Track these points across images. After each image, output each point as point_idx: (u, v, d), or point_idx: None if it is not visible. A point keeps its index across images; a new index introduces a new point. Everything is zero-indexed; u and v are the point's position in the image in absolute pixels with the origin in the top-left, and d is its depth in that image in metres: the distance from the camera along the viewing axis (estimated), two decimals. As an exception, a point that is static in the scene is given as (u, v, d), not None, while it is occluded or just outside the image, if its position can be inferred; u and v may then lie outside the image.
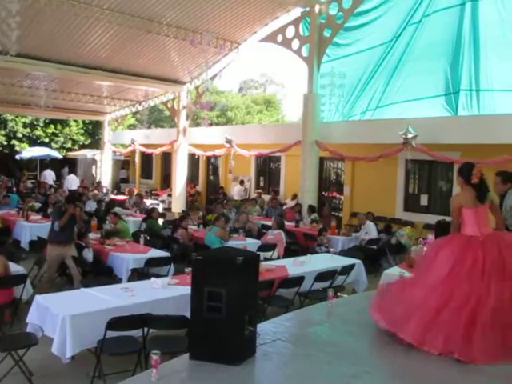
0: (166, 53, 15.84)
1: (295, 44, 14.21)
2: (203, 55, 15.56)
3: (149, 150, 21.30)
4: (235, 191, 18.26)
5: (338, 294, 7.48)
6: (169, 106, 19.90)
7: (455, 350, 4.16)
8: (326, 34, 13.45)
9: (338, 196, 16.34)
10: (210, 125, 29.09)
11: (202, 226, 11.15)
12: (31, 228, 10.60)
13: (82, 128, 27.89)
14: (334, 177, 16.69)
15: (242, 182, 18.34)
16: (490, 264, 4.42)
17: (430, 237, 9.07)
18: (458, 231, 4.77)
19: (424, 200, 13.45)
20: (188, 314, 5.58)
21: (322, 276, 7.18)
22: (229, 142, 16.57)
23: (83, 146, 28.43)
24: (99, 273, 7.86)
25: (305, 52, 13.92)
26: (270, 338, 4.58)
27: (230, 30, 14.95)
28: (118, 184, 24.88)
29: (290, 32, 14.38)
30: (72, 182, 20.86)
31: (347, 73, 14.49)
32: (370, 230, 10.97)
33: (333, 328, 5.16)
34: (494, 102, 11.81)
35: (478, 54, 11.96)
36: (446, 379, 3.98)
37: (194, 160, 20.35)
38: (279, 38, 14.69)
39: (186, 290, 5.89)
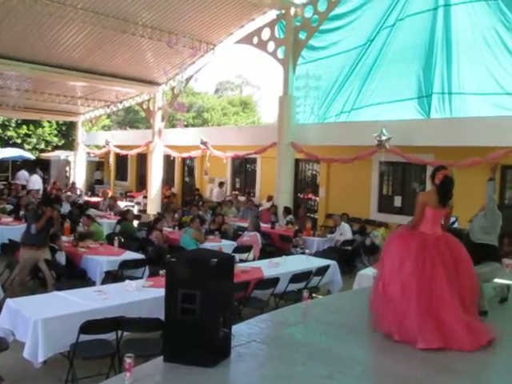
0: (142, 53, 15.73)
1: (271, 46, 14.26)
2: (179, 56, 15.52)
3: (124, 152, 21.10)
4: (214, 193, 18.25)
5: (313, 294, 7.53)
6: (144, 107, 19.75)
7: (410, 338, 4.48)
8: (302, 36, 13.54)
9: (313, 197, 16.44)
10: (186, 126, 29.02)
11: (177, 227, 11.10)
12: (2, 230, 10.40)
13: (56, 129, 27.51)
14: (310, 178, 16.78)
15: (221, 184, 18.29)
16: (442, 261, 4.68)
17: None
18: (416, 226, 4.96)
19: (398, 201, 13.63)
20: (163, 317, 5.58)
21: (296, 277, 7.22)
22: (204, 143, 16.53)
23: (57, 147, 28.04)
24: (73, 276, 7.74)
25: (280, 54, 13.98)
26: (245, 340, 4.59)
27: (206, 32, 14.92)
28: (93, 186, 24.58)
29: (266, 34, 14.42)
30: (35, 183, 20.50)
31: (322, 75, 14.59)
32: (345, 231, 11.07)
33: (307, 329, 5.19)
34: (465, 105, 12.02)
35: (450, 58, 12.17)
36: (419, 378, 4.04)
37: (169, 161, 20.24)
38: (255, 39, 14.71)
39: (161, 292, 5.83)
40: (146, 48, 15.40)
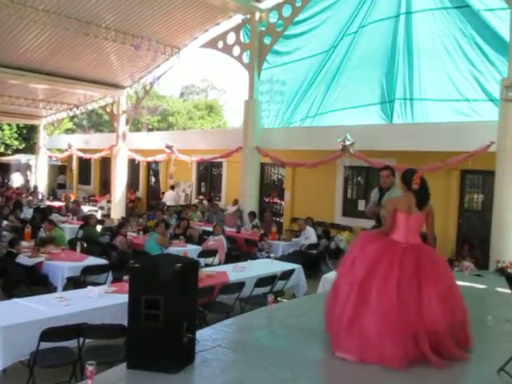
0: (105, 56, 15.53)
1: (236, 50, 14.29)
2: (143, 60, 15.39)
3: (87, 155, 20.76)
4: (168, 197, 18.22)
5: (278, 298, 7.56)
6: (108, 110, 19.47)
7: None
8: (267, 41, 13.61)
9: (278, 201, 16.52)
10: (151, 130, 28.80)
11: (141, 232, 10.98)
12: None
13: (16, 132, 26.89)
14: (275, 182, 16.86)
15: (172, 187, 18.33)
16: (401, 273, 4.36)
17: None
18: (387, 233, 4.70)
19: (361, 205, 13.80)
20: (126, 323, 5.51)
21: (262, 281, 7.23)
22: (169, 147, 16.41)
23: (17, 151, 27.38)
24: (33, 282, 7.56)
25: (245, 59, 14.03)
26: (210, 345, 4.57)
27: (170, 35, 14.84)
28: (55, 190, 24.10)
29: (231, 38, 14.45)
30: None
31: (287, 80, 14.69)
32: (310, 235, 11.15)
33: (272, 333, 5.20)
34: (426, 111, 12.30)
35: (412, 65, 12.43)
36: (388, 380, 4.09)
37: (134, 165, 20.00)
38: (220, 44, 14.72)
39: (124, 298, 5.75)
40: (109, 51, 15.21)
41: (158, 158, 17.37)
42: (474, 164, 10.27)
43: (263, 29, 13.67)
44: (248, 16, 13.89)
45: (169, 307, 3.86)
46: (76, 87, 17.35)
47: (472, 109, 11.55)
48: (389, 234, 4.69)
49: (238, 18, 14.36)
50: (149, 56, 14.92)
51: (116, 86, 17.77)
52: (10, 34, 13.36)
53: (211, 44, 15.02)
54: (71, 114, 22.47)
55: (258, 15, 13.63)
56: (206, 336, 4.73)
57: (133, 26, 13.88)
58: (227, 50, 14.52)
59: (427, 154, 10.92)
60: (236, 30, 14.37)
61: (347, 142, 11.51)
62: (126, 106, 18.18)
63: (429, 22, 12.14)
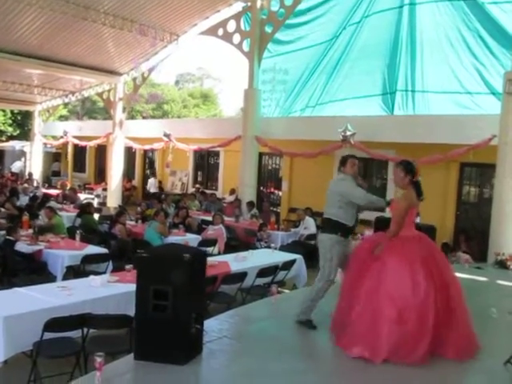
0: (103, 42, 15.32)
1: (236, 38, 14.12)
2: (142, 46, 15.21)
3: (82, 143, 20.57)
4: (150, 184, 18.17)
5: (279, 289, 7.52)
6: (104, 97, 19.27)
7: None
8: (268, 29, 13.45)
9: (275, 191, 16.46)
10: (145, 118, 28.63)
11: (140, 221, 10.89)
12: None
13: (10, 118, 26.62)
14: (272, 172, 16.79)
15: (153, 174, 18.59)
16: (429, 264, 4.42)
17: (367, 232, 9.33)
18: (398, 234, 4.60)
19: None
20: (129, 313, 5.43)
21: (264, 271, 7.17)
22: (167, 135, 16.28)
23: (11, 138, 27.11)
24: (32, 270, 7.47)
25: (246, 47, 13.87)
26: (216, 336, 4.54)
27: (170, 22, 14.65)
28: (49, 177, 23.89)
29: (231, 26, 14.27)
30: None
31: (289, 69, 14.57)
32: (309, 226, 11.09)
33: (277, 324, 5.17)
34: (428, 103, 12.24)
35: (414, 56, 12.35)
36: (392, 375, 4.07)
37: (130, 154, 19.84)
38: (220, 31, 14.55)
39: (127, 287, 5.74)
40: (107, 37, 15.00)
41: (155, 146, 17.22)
42: (473, 157, 10.25)
43: (264, 17, 13.51)
44: (249, 3, 13.73)
45: (177, 298, 3.81)
46: (72, 73, 17.12)
47: (474, 102, 11.50)
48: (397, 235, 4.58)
49: (238, 6, 14.18)
50: (147, 43, 14.73)
51: (113, 73, 17.56)
52: (5, 17, 13.11)
53: (211, 31, 14.85)
54: (67, 100, 22.22)
55: (259, 3, 13.46)
56: (211, 327, 4.70)
57: (132, 11, 13.67)
58: (227, 37, 14.35)
59: (427, 146, 10.87)
60: (236, 17, 14.19)
61: (348, 133, 11.44)
62: (125, 93, 17.98)
63: (433, 14, 12.05)
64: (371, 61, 13.04)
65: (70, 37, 14.68)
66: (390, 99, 12.77)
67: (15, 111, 26.00)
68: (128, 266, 6.20)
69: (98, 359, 3.46)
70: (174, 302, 3.81)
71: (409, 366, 4.11)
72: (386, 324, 4.18)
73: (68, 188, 15.67)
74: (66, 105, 27.28)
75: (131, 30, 13.99)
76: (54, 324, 4.50)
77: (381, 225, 6.73)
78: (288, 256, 8.20)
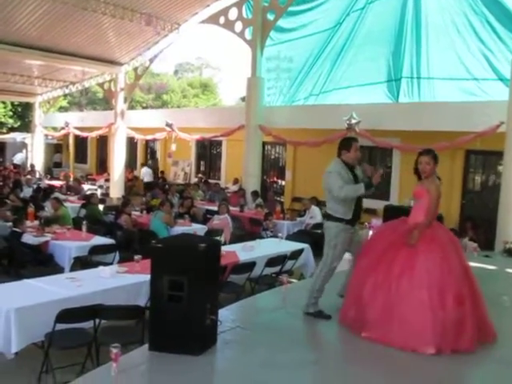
0: (103, 32, 15.17)
1: (238, 26, 13.96)
2: (143, 36, 15.07)
3: (84, 134, 20.48)
4: (144, 174, 18.33)
5: (289, 279, 7.48)
6: (105, 87, 19.14)
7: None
8: (270, 17, 13.30)
9: (278, 181, 16.40)
10: (145, 108, 28.56)
11: (145, 211, 10.83)
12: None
13: (11, 110, 26.50)
14: (275, 162, 16.71)
15: (145, 164, 18.78)
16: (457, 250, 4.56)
17: (374, 221, 9.29)
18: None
19: (364, 185, 13.67)
20: (139, 303, 5.42)
21: (272, 261, 7.14)
22: (169, 125, 16.19)
23: (12, 129, 27.00)
24: (39, 262, 7.43)
25: (248, 35, 13.72)
26: (229, 326, 4.51)
27: (170, 11, 14.47)
28: (51, 169, 23.83)
29: (233, 14, 14.11)
30: None
31: (293, 57, 14.41)
32: (315, 215, 11.03)
33: (289, 314, 5.13)
34: (433, 90, 12.10)
35: (420, 42, 12.19)
36: (408, 362, 4.04)
37: (131, 144, 19.77)
38: (221, 19, 14.39)
39: (137, 278, 5.72)
40: (107, 26, 14.85)
41: (157, 136, 17.15)
42: (480, 144, 10.18)
43: (266, 4, 13.35)
44: (250, -9, 13.57)
45: (193, 288, 3.76)
46: (73, 63, 16.99)
47: (480, 88, 11.37)
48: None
49: (240, -7, 14.03)
50: (149, 32, 14.60)
51: (114, 63, 17.41)
52: (5, 8, 12.98)
53: (212, 20, 14.69)
54: (67, 91, 22.09)
55: (261, -10, 13.32)
56: (224, 317, 4.64)
57: (132, 0, 13.52)
58: (229, 25, 14.20)
59: (432, 134, 10.78)
60: (238, 5, 14.02)
61: (353, 121, 11.36)
62: (126, 83, 17.85)
63: (439, -1, 11.90)
64: (376, 47, 12.88)
65: (71, 27, 14.55)
66: (395, 86, 12.63)
67: (16, 103, 25.89)
68: (137, 257, 6.15)
69: (114, 350, 3.41)
70: (189, 293, 3.76)
71: (419, 354, 4.08)
72: (430, 312, 4.14)
73: (72, 179, 15.59)
74: (65, 96, 27.13)
75: (132, 20, 13.84)
76: (66, 315, 4.47)
77: (390, 213, 6.70)
78: (296, 245, 8.14)
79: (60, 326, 4.55)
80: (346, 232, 4.89)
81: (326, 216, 5.10)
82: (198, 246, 3.77)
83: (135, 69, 17.83)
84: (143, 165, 19.56)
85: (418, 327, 4.13)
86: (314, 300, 4.99)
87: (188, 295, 3.75)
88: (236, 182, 15.80)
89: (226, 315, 4.78)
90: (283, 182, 16.08)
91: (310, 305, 4.99)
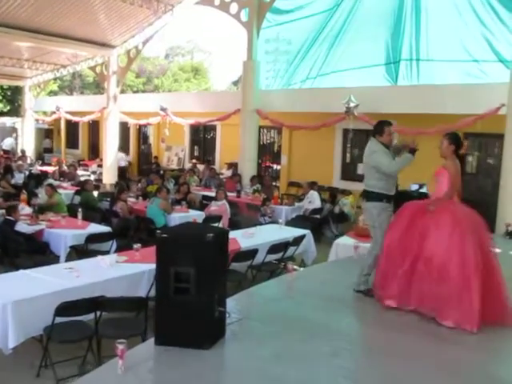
0: (95, 14, 14.74)
1: (233, 8, 13.61)
2: (134, 17, 14.70)
3: (76, 118, 20.08)
4: (118, 158, 17.91)
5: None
6: (97, 71, 18.73)
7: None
8: (266, -2, 13.00)
9: (272, 165, 16.22)
10: (136, 92, 28.10)
11: (141, 198, 10.62)
12: None
13: (0, 94, 25.95)
14: (270, 146, 16.51)
15: (122, 149, 18.48)
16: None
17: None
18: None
19: (361, 169, 13.55)
20: (140, 294, 5.25)
21: (274, 248, 6.97)
22: (164, 110, 15.88)
23: (1, 114, 26.51)
24: (34, 251, 7.22)
25: (244, 17, 13.40)
26: (237, 317, 4.35)
27: (164, -9, 14.14)
28: (42, 154, 23.43)
29: (229, -5, 13.78)
30: None
31: (292, 39, 14.11)
32: (314, 200, 10.87)
33: (297, 303, 4.99)
34: (433, 72, 11.91)
35: (419, 24, 11.97)
36: (423, 350, 3.91)
37: (124, 129, 19.42)
38: (217, 1, 14.01)
39: (137, 268, 5.54)
40: (99, 8, 14.44)
41: (151, 120, 16.83)
42: (478, 127, 10.04)
43: (262, -15, 13.04)
44: (246, -29, 13.22)
45: (200, 280, 3.60)
46: (64, 46, 16.53)
47: (481, 70, 11.21)
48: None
49: (235, -26, 13.67)
50: (141, 14, 14.23)
51: (106, 46, 17.00)
52: (-7, -11, 12.61)
53: (207, 1, 14.30)
54: (58, 74, 21.63)
55: (257, -30, 12.97)
56: (230, 308, 4.47)
57: (125, -20, 13.18)
58: (224, 7, 13.83)
59: (432, 117, 10.61)
60: (234, -15, 13.69)
61: (351, 104, 11.15)
62: (118, 66, 17.48)
63: (439, -21, 11.65)
64: (374, 29, 12.64)
65: (62, 8, 14.10)
66: (394, 69, 12.43)
67: (5, 87, 25.34)
68: (136, 246, 5.96)
69: (120, 346, 3.26)
70: (197, 284, 3.59)
71: (440, 335, 4.02)
72: (476, 291, 4.30)
73: (68, 165, 15.27)
74: (56, 79, 26.61)
75: (125, 1, 13.46)
76: (66, 308, 4.30)
77: (400, 198, 6.54)
78: (297, 231, 7.99)
79: (59, 319, 4.38)
80: (385, 211, 5.13)
81: (366, 196, 5.28)
82: (206, 235, 3.59)
83: (128, 51, 17.43)
84: (120, 150, 18.85)
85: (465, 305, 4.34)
86: (364, 278, 5.13)
87: (195, 287, 3.59)
88: (230, 167, 15.58)
89: (233, 306, 4.62)
90: (278, 167, 15.90)
91: (361, 283, 5.14)
